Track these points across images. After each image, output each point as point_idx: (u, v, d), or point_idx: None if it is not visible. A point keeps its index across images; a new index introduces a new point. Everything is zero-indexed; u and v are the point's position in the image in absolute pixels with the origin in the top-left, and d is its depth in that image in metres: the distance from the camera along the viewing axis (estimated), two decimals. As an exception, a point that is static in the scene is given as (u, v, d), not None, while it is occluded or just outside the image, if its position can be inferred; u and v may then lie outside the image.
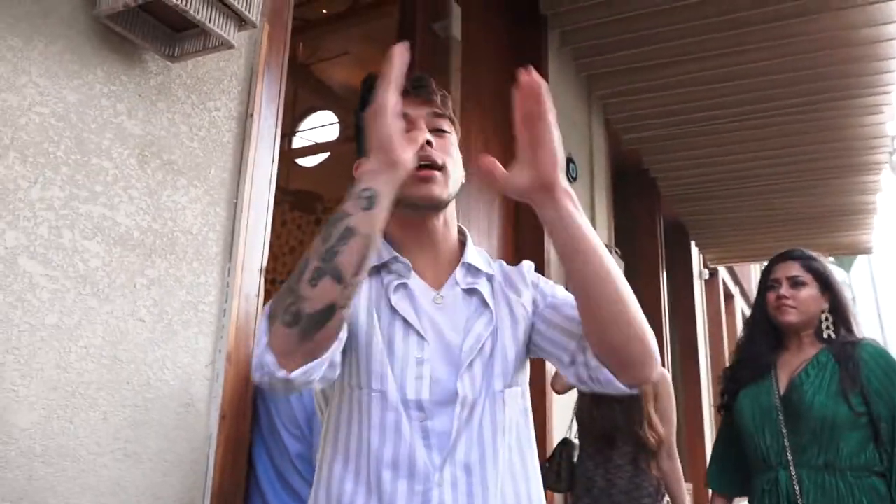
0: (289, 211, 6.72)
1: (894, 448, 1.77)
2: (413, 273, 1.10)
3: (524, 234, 3.37)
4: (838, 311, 1.98)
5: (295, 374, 0.86)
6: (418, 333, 1.04)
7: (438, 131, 1.11)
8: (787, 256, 2.06)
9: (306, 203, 6.44)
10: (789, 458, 1.86)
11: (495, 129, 3.33)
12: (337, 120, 6.56)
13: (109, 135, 1.39)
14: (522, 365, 1.11)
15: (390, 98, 0.89)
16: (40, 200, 1.26)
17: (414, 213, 1.09)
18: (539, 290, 1.14)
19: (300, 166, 6.87)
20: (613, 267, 0.95)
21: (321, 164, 6.92)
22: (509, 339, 1.08)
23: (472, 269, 1.12)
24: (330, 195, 6.62)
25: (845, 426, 1.80)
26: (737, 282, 9.06)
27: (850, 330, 1.96)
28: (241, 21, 1.46)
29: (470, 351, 1.04)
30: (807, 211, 5.55)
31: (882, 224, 5.92)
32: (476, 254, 1.16)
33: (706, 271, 7.09)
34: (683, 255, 6.48)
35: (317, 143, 6.77)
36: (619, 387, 0.99)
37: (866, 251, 6.32)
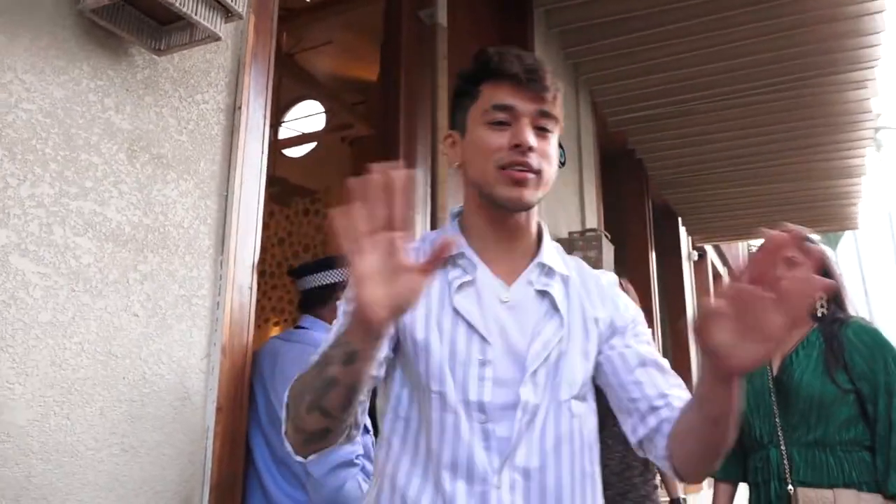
0: (276, 203, 6.70)
1: (878, 423, 1.80)
2: (482, 266, 1.05)
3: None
4: (833, 292, 2.00)
5: (310, 458, 0.95)
6: (481, 336, 1.00)
7: (542, 130, 1.03)
8: None
9: (294, 194, 6.41)
10: (780, 436, 1.90)
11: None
12: (323, 109, 6.53)
13: (98, 130, 1.39)
14: (590, 378, 1.07)
15: (362, 224, 0.74)
16: (30, 198, 1.26)
17: (499, 210, 1.05)
18: (619, 314, 1.08)
19: (287, 157, 6.84)
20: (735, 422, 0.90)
21: (308, 154, 6.89)
22: (577, 350, 1.04)
23: (547, 269, 1.07)
24: (318, 185, 6.60)
25: (833, 404, 1.83)
26: (725, 262, 9.12)
27: (841, 308, 1.99)
28: (228, 12, 1.45)
29: (536, 356, 1.00)
30: (793, 188, 5.59)
31: (867, 200, 5.98)
32: (552, 252, 1.11)
33: (695, 252, 7.13)
34: (672, 237, 6.52)
35: (303, 134, 6.73)
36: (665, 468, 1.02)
37: (852, 227, 6.38)
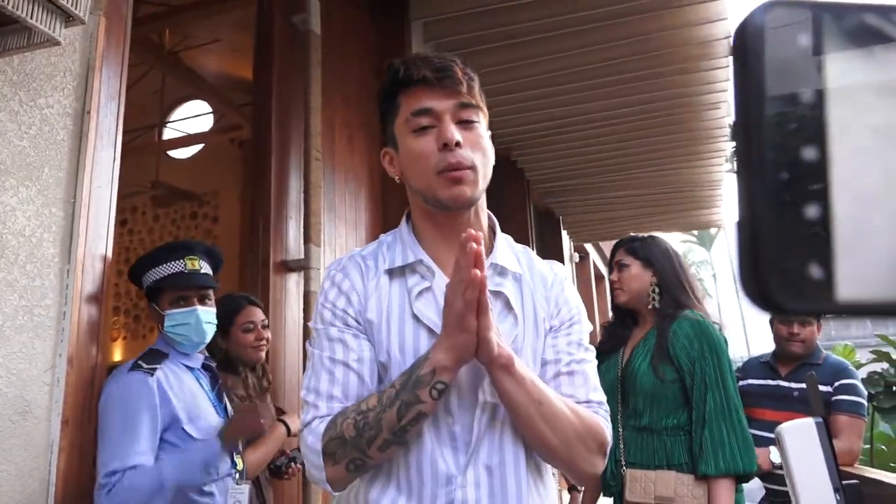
0: (161, 207, 6.45)
1: (694, 411, 1.94)
2: (438, 272, 1.07)
3: (390, 226, 3.42)
4: (665, 284, 2.12)
5: (342, 490, 1.05)
6: None
7: (466, 123, 1.04)
8: (616, 245, 2.26)
9: (181, 197, 6.20)
10: (619, 421, 2.06)
11: (360, 123, 3.37)
12: (211, 110, 6.34)
13: (-78, 135, 1.33)
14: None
15: (473, 305, 0.92)
16: None
17: (445, 212, 1.06)
18: (558, 315, 1.11)
19: (173, 159, 6.60)
20: (550, 421, 0.99)
21: (195, 156, 6.68)
22: (529, 349, 1.07)
23: (500, 269, 1.09)
24: (206, 188, 6.41)
25: (660, 393, 2.00)
26: (606, 263, 9.58)
27: (676, 300, 2.09)
28: (68, 17, 1.41)
29: None
30: (663, 193, 6.00)
31: (730, 203, 6.50)
32: (506, 250, 1.13)
33: (577, 254, 7.46)
34: (554, 240, 6.79)
35: (189, 135, 6.52)
36: None
37: (717, 226, 6.91)
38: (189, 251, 1.86)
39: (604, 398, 1.11)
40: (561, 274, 1.16)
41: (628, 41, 3.71)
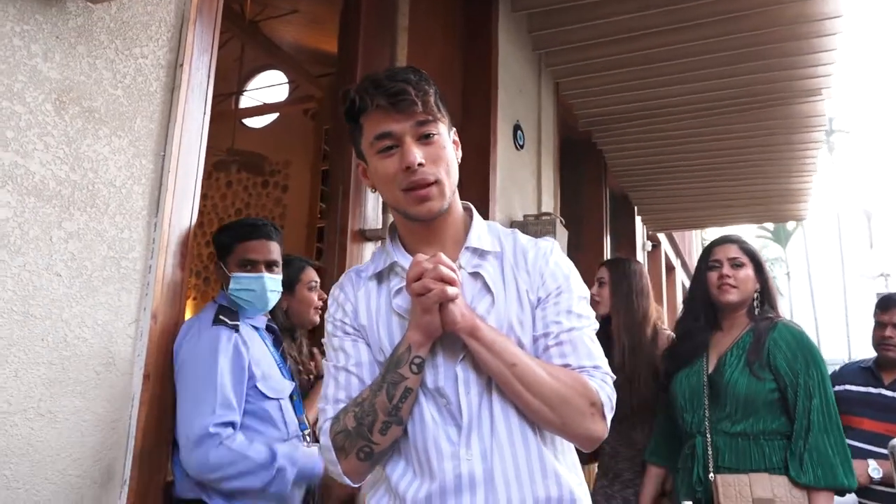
0: (235, 172, 6.56)
1: (797, 421, 1.89)
2: None
3: (468, 200, 3.35)
4: (766, 292, 2.11)
5: (362, 482, 1.13)
6: None
7: (426, 138, 1.08)
8: (725, 240, 2.18)
9: (253, 165, 6.27)
10: (707, 427, 1.98)
11: (443, 92, 3.28)
12: (286, 80, 6.38)
13: (22, 77, 1.31)
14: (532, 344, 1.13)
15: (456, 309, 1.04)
16: (-57, 144, 1.18)
17: (416, 222, 1.12)
18: (544, 286, 1.14)
19: (248, 127, 6.69)
20: (527, 382, 1.04)
21: (269, 125, 6.75)
22: (515, 320, 1.11)
23: (478, 251, 1.14)
24: (278, 157, 6.48)
25: (758, 401, 1.93)
26: (678, 254, 9.28)
27: (773, 308, 2.09)
28: (168, -38, 1.38)
29: None
30: (747, 184, 5.70)
31: (816, 198, 6.14)
32: (483, 232, 1.17)
33: (649, 243, 7.23)
34: (628, 227, 6.59)
35: (265, 104, 6.59)
36: None
37: (801, 219, 6.55)
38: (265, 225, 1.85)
39: (601, 362, 1.11)
40: (545, 246, 1.18)
41: (726, 17, 3.49)
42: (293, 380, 1.85)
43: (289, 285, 2.09)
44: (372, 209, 2.64)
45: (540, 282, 1.13)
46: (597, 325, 1.17)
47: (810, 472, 1.83)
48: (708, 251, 2.19)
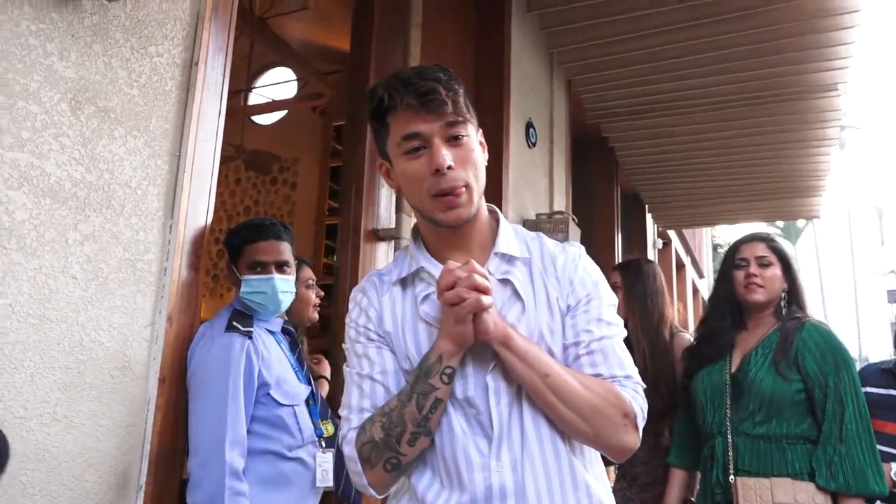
0: (244, 170, 6.54)
1: (825, 424, 1.84)
2: None
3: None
4: (794, 292, 2.06)
5: (386, 492, 1.11)
6: None
7: (455, 140, 1.05)
8: (753, 238, 2.13)
9: (262, 163, 6.26)
10: (728, 427, 1.93)
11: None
12: (295, 77, 6.36)
13: (38, 77, 1.29)
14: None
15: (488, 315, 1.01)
16: (-42, 145, 1.16)
17: (445, 228, 1.09)
18: (573, 293, 1.11)
19: (256, 124, 6.67)
20: (560, 392, 1.02)
21: (278, 122, 6.73)
22: (546, 328, 1.08)
23: (507, 258, 1.12)
24: (287, 154, 6.46)
25: (782, 401, 1.88)
26: (688, 252, 9.22)
27: (801, 307, 2.04)
28: (184, -41, 1.35)
29: None
30: (759, 181, 5.65)
31: (828, 196, 6.08)
32: (511, 237, 1.15)
33: (660, 241, 7.19)
34: (639, 224, 6.55)
35: (273, 101, 6.57)
36: None
37: (814, 216, 6.49)
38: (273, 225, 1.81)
39: (632, 371, 1.09)
40: (573, 252, 1.16)
41: (741, 14, 3.45)
42: (310, 384, 1.82)
43: None
44: (385, 209, 2.62)
45: (570, 289, 1.11)
46: (625, 333, 1.14)
47: (840, 477, 1.78)
48: (735, 249, 2.14)
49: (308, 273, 2.26)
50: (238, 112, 6.32)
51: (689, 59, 3.87)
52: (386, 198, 2.63)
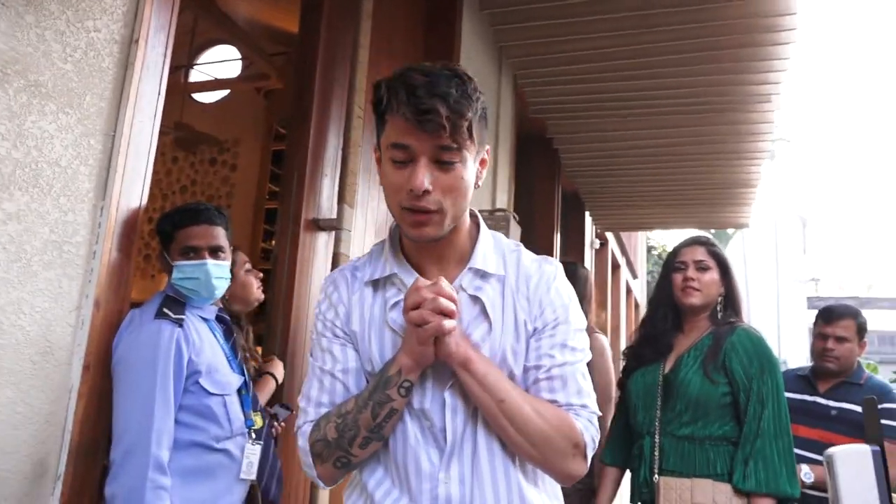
0: (181, 148, 6.35)
1: (746, 425, 1.90)
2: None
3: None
4: (731, 297, 2.11)
5: (335, 485, 1.14)
6: None
7: (443, 164, 1.01)
8: (693, 242, 2.18)
9: (201, 141, 6.09)
10: (657, 427, 1.97)
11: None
12: (239, 56, 6.20)
13: (-38, 45, 1.22)
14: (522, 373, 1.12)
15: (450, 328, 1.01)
16: None
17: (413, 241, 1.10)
18: (542, 316, 1.11)
19: (197, 102, 6.48)
20: (513, 418, 1.03)
21: (220, 101, 6.55)
22: (509, 350, 1.09)
23: (480, 272, 1.11)
24: (227, 135, 6.30)
25: (710, 403, 1.93)
26: (624, 253, 9.46)
27: (736, 313, 2.09)
28: (128, -67, 1.30)
29: None
30: (693, 188, 5.84)
31: (757, 206, 6.34)
32: (489, 250, 1.13)
33: (597, 241, 7.34)
34: (578, 224, 6.67)
35: (216, 79, 6.39)
36: None
37: (744, 226, 6.76)
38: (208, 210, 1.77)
39: (589, 401, 1.11)
40: (549, 272, 1.14)
41: (687, 26, 3.55)
42: (243, 374, 1.79)
43: None
44: (327, 198, 2.59)
45: (539, 311, 1.11)
46: (590, 356, 1.16)
47: (753, 477, 1.83)
48: (675, 252, 2.19)
49: (243, 257, 2.23)
50: (178, 89, 6.12)
51: (633, 62, 3.96)
52: (328, 187, 2.60)
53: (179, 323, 1.60)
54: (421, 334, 1.00)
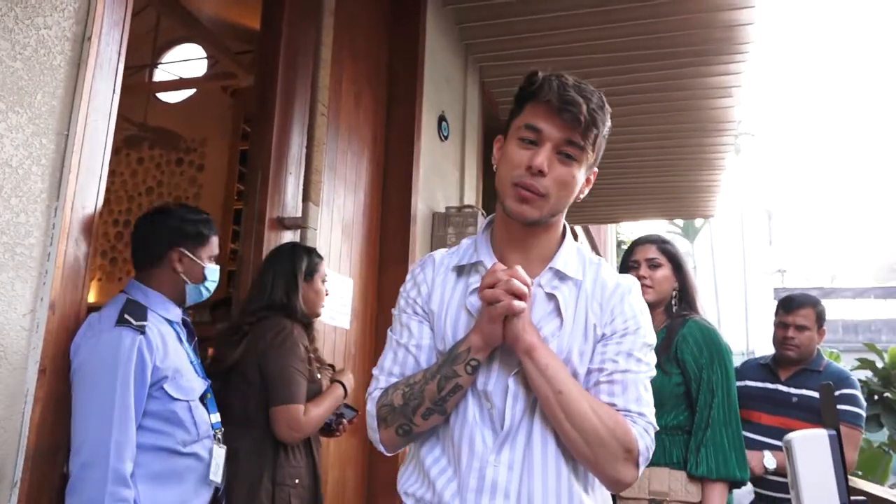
0: (147, 149, 6.25)
1: (697, 414, 1.97)
2: None
3: (391, 191, 3.32)
4: (685, 291, 2.16)
5: (395, 452, 1.21)
6: None
7: (566, 157, 1.10)
8: (645, 240, 2.23)
9: (167, 141, 6.00)
10: None
11: (368, 82, 3.23)
12: (205, 55, 6.12)
13: None
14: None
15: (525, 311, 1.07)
16: None
17: (514, 221, 1.14)
18: (612, 324, 1.15)
19: (162, 101, 6.38)
20: (569, 412, 1.06)
21: (186, 100, 6.46)
22: (576, 350, 1.13)
23: (560, 274, 1.17)
24: (194, 134, 6.22)
25: (664, 394, 1.99)
26: (594, 247, 9.54)
27: (691, 307, 2.14)
28: (76, -72, 1.28)
29: None
30: (660, 181, 5.92)
31: (723, 196, 6.46)
32: (572, 257, 1.19)
33: (568, 236, 7.39)
34: (547, 220, 6.71)
35: (182, 78, 6.30)
36: None
37: (709, 216, 6.88)
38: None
39: (647, 411, 1.12)
40: (626, 284, 1.20)
41: (648, 21, 3.60)
42: (206, 378, 1.76)
43: (309, 273, 2.15)
44: (292, 196, 2.57)
45: (609, 318, 1.15)
46: (654, 373, 1.17)
47: (704, 463, 1.90)
48: (629, 251, 2.25)
49: (323, 269, 2.31)
50: (142, 88, 6.02)
51: (596, 58, 4.01)
52: (293, 185, 2.58)
53: (141, 330, 1.56)
54: (492, 312, 1.06)
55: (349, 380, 2.21)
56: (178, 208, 1.79)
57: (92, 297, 6.22)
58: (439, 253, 1.27)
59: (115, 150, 6.53)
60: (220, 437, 1.75)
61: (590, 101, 1.09)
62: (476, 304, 1.14)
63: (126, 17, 1.67)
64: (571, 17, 3.62)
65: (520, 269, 1.07)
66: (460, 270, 1.21)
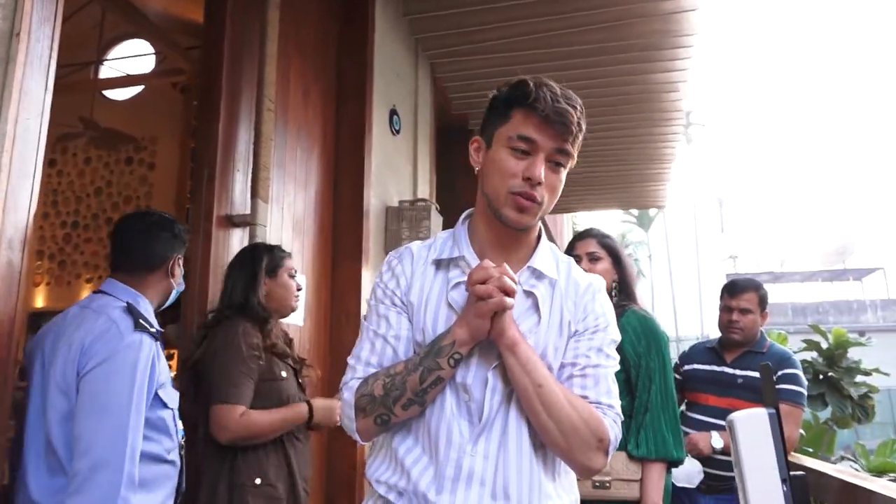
0: (94, 149, 6.09)
1: (636, 399, 2.06)
2: None
3: (342, 186, 3.30)
4: (623, 283, 2.24)
5: (369, 441, 1.22)
6: None
7: (556, 164, 1.16)
8: (586, 235, 2.31)
9: (115, 141, 5.85)
10: None
11: (317, 77, 3.21)
12: (153, 51, 5.99)
13: None
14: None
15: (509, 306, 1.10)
16: None
17: (503, 224, 1.18)
18: (584, 321, 1.21)
19: (109, 99, 6.22)
20: (547, 403, 1.11)
21: (134, 98, 6.32)
22: (552, 346, 1.18)
23: (537, 272, 1.21)
24: (144, 133, 6.08)
25: None
26: (550, 237, 9.65)
27: (630, 297, 2.23)
28: (-3, -79, 1.24)
29: None
30: (613, 171, 6.03)
31: (675, 187, 6.61)
32: (547, 255, 1.24)
33: (523, 228, 7.47)
34: (503, 213, 6.75)
35: (129, 75, 6.15)
36: None
37: (661, 206, 7.04)
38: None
39: (615, 402, 1.19)
40: (596, 284, 1.27)
41: (594, 11, 3.65)
42: (175, 389, 1.76)
43: (272, 270, 2.13)
44: (240, 193, 2.54)
45: (582, 315, 1.22)
46: (618, 368, 1.24)
47: (644, 445, 2.01)
48: (571, 246, 2.32)
49: (289, 264, 2.30)
50: (87, 85, 5.86)
51: (547, 53, 4.04)
52: (241, 182, 2.55)
53: (156, 337, 1.60)
54: (482, 307, 1.09)
55: (323, 408, 2.13)
56: (166, 214, 1.84)
57: (40, 303, 6.07)
58: (415, 244, 1.29)
59: (61, 150, 6.34)
60: (182, 443, 1.77)
61: (576, 109, 1.15)
62: (459, 298, 1.18)
63: (58, 13, 1.62)
64: (520, 7, 3.63)
65: (507, 267, 1.11)
66: (439, 264, 1.23)
